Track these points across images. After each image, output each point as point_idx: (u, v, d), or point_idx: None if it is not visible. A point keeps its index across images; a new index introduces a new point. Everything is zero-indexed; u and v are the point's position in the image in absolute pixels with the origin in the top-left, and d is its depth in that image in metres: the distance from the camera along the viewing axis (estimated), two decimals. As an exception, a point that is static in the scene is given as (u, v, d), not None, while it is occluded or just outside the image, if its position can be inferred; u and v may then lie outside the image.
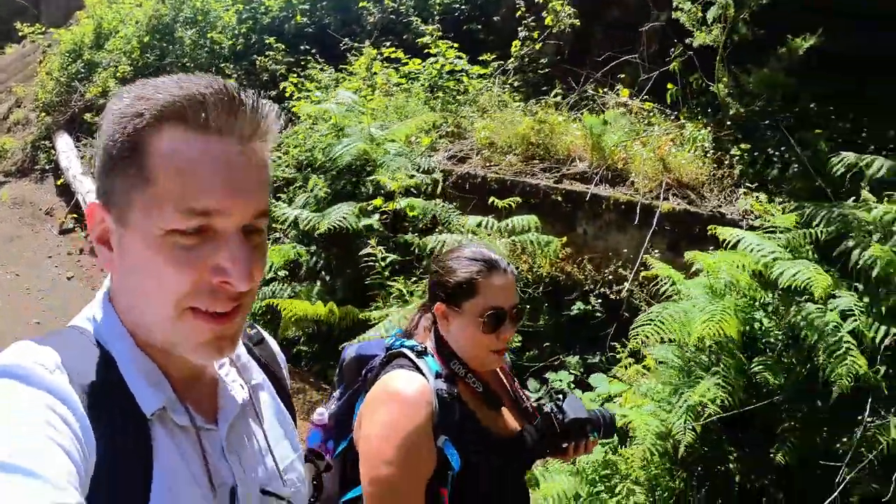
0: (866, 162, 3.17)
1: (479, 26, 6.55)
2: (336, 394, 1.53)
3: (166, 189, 0.68)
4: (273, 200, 5.23)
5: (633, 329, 2.80)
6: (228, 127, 0.70)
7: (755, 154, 3.64)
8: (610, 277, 3.64)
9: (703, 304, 2.71)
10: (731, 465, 2.91)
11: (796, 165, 3.49)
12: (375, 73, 5.83)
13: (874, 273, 2.67)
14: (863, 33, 3.83)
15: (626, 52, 4.88)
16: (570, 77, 5.34)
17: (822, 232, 3.01)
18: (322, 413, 1.47)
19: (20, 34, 8.62)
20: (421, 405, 1.29)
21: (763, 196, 3.39)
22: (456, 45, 5.54)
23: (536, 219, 3.90)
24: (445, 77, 5.64)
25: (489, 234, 4.07)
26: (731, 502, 2.93)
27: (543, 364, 3.88)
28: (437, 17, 6.54)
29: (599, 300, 3.63)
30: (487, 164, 4.65)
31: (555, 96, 4.94)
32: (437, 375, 1.35)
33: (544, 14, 5.10)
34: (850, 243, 2.82)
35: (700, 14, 3.59)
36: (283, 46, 6.77)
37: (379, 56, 6.12)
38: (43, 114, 8.14)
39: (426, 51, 5.80)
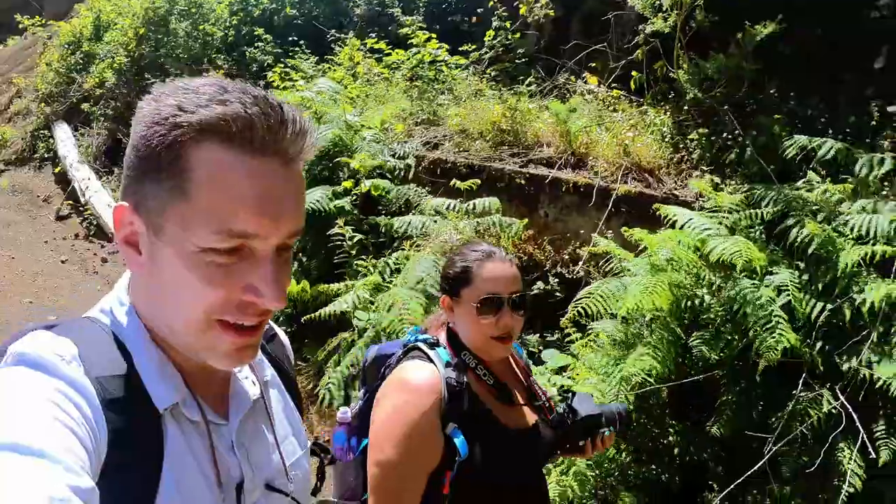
0: (816, 144, 3.22)
1: (467, 18, 6.64)
2: (360, 393, 1.58)
3: (205, 207, 0.67)
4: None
5: (574, 303, 2.87)
6: (273, 147, 0.68)
7: (712, 139, 3.69)
8: (567, 257, 3.72)
9: (641, 278, 2.77)
10: (671, 439, 2.97)
11: (750, 148, 3.54)
12: (358, 63, 5.93)
13: (810, 250, 2.72)
14: (822, 21, 3.87)
15: (602, 41, 4.94)
16: (548, 66, 5.41)
17: (767, 212, 3.07)
18: (345, 412, 1.51)
19: (20, 26, 8.83)
20: (427, 393, 1.32)
21: (712, 179, 3.44)
22: (434, 35, 5.62)
23: (498, 201, 3.98)
24: (425, 67, 5.73)
25: (457, 217, 4.17)
26: (674, 475, 3.00)
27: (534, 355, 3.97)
28: (422, 9, 6.64)
29: (557, 279, 3.71)
30: (459, 150, 4.73)
31: (528, 85, 5.01)
32: (447, 365, 1.39)
33: (520, 5, 5.17)
34: (790, 222, 2.87)
35: (657, 1, 3.65)
36: (272, 38, 6.90)
37: (363, 47, 6.23)
38: (42, 104, 8.33)
39: (408, 41, 5.90)
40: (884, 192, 3.18)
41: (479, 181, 4.01)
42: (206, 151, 0.67)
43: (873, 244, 2.72)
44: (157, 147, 0.68)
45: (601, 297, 2.80)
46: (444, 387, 1.34)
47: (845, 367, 2.58)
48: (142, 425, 0.72)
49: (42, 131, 8.35)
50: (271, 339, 0.98)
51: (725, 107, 3.72)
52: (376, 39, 6.08)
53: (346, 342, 3.87)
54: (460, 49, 5.83)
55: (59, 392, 0.65)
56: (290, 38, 6.95)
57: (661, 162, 3.79)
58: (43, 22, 8.69)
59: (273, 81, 6.04)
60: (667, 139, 3.82)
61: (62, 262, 7.14)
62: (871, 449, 2.46)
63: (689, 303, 2.87)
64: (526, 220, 4.00)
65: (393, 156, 4.99)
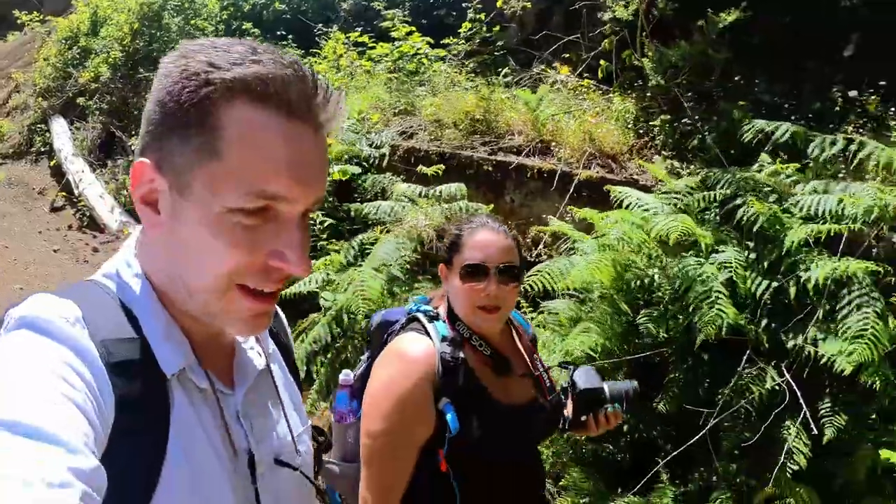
0: (773, 128, 3.22)
1: (453, 11, 6.68)
2: (364, 357, 1.59)
3: (236, 165, 0.66)
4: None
5: (530, 281, 2.89)
6: (307, 111, 0.68)
7: (675, 125, 3.70)
8: (529, 241, 3.73)
9: (588, 256, 2.79)
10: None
11: (712, 133, 3.54)
12: (341, 56, 5.99)
13: (755, 228, 2.72)
14: (792, 9, 3.87)
15: (581, 33, 4.97)
16: (528, 58, 5.45)
17: (720, 194, 3.07)
18: (348, 374, 1.51)
19: (19, 21, 8.99)
20: (420, 366, 1.33)
21: (672, 163, 3.45)
22: (414, 28, 5.67)
23: (464, 187, 4.01)
24: (406, 60, 5.78)
25: (427, 202, 4.20)
26: (626, 453, 3.00)
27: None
28: (408, 4, 6.69)
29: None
30: (432, 139, 4.77)
31: (504, 76, 5.04)
32: (444, 339, 1.38)
33: (498, -2, 5.23)
34: (738, 202, 2.87)
35: (618, -12, 3.69)
36: (261, 32, 6.98)
37: (347, 41, 6.29)
38: (40, 99, 8.46)
39: (391, 34, 5.95)
40: (841, 175, 3.17)
41: (443, 167, 4.04)
42: (238, 110, 0.65)
43: (824, 223, 2.71)
44: (186, 103, 0.66)
45: (548, 274, 2.82)
46: (438, 361, 1.34)
47: (790, 344, 2.57)
48: (149, 390, 0.70)
49: (39, 125, 8.49)
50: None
51: (689, 94, 3.73)
52: (359, 33, 6.14)
53: (313, 322, 3.91)
54: (441, 42, 5.88)
55: (63, 361, 0.62)
56: (279, 33, 7.03)
57: (625, 148, 3.81)
58: (41, 18, 8.84)
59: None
60: (629, 126, 3.84)
61: (54, 251, 7.25)
62: (814, 426, 2.45)
63: (639, 282, 2.88)
64: (492, 206, 4.02)
65: (370, 145, 5.05)
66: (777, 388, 2.51)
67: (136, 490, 0.67)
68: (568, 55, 4.85)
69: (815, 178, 3.07)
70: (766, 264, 2.67)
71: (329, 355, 3.73)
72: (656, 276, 2.86)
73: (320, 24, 6.83)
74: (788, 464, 2.46)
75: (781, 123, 3.20)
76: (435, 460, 1.34)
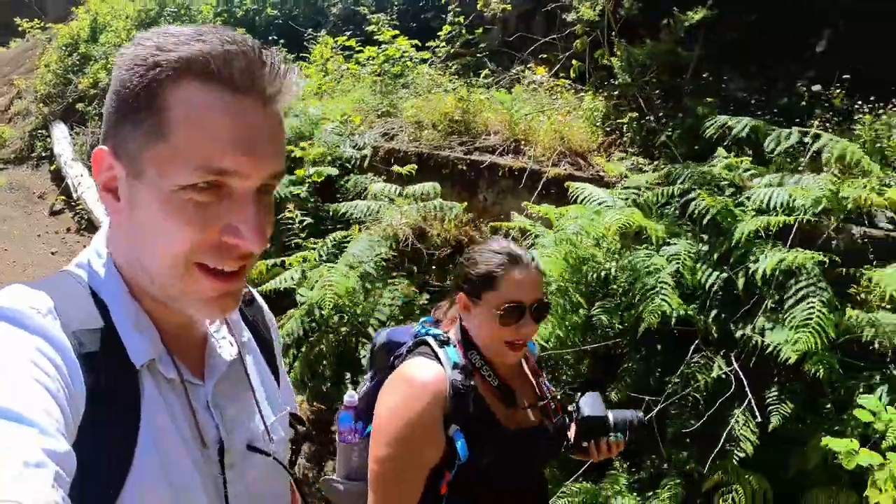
0: (734, 122, 3.26)
1: (441, 14, 6.78)
2: (367, 376, 1.58)
3: (183, 145, 0.66)
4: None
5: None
6: (251, 85, 0.67)
7: (642, 122, 3.76)
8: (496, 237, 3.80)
9: (543, 250, 2.85)
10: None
11: (677, 130, 3.59)
12: (328, 60, 6.10)
13: (705, 221, 2.77)
14: (763, 6, 3.92)
15: (557, 34, 5.04)
16: (509, 59, 5.53)
17: (678, 189, 3.12)
18: (353, 395, 1.51)
19: (20, 28, 9.20)
20: (430, 392, 1.31)
21: (636, 160, 3.51)
22: (398, 32, 5.77)
23: (438, 186, 4.09)
24: (391, 63, 5.87)
25: (405, 201, 4.28)
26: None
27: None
28: (396, 7, 6.80)
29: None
30: (412, 140, 4.85)
31: (485, 77, 5.12)
32: (455, 366, 1.37)
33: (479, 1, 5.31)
34: (692, 195, 2.92)
35: (583, -10, 3.76)
36: (253, 37, 7.10)
37: (336, 45, 6.40)
38: (41, 104, 8.65)
39: (376, 37, 6.05)
40: (801, 168, 3.22)
41: (416, 166, 4.12)
42: (183, 90, 0.66)
43: (775, 216, 2.76)
44: (136, 87, 0.67)
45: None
46: (448, 388, 1.33)
47: (738, 334, 2.62)
48: (119, 380, 0.71)
49: (40, 131, 8.66)
50: (249, 304, 0.96)
51: (657, 91, 3.79)
52: (347, 37, 6.24)
53: (290, 317, 4.00)
54: (426, 45, 5.97)
55: (35, 349, 0.63)
56: (271, 38, 7.15)
57: (594, 145, 3.87)
58: (42, 25, 9.05)
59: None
60: (598, 124, 3.90)
61: (52, 253, 7.40)
62: (758, 414, 2.49)
63: (596, 275, 2.94)
64: (465, 204, 4.10)
65: (353, 146, 5.14)
66: (724, 376, 2.56)
67: (106, 479, 0.68)
68: (545, 56, 4.92)
69: (778, 172, 3.11)
70: (715, 256, 2.71)
71: (303, 349, 3.81)
72: (613, 269, 2.91)
73: (310, 29, 6.95)
74: (735, 451, 2.50)
75: (742, 118, 3.25)
76: (438, 482, 1.34)
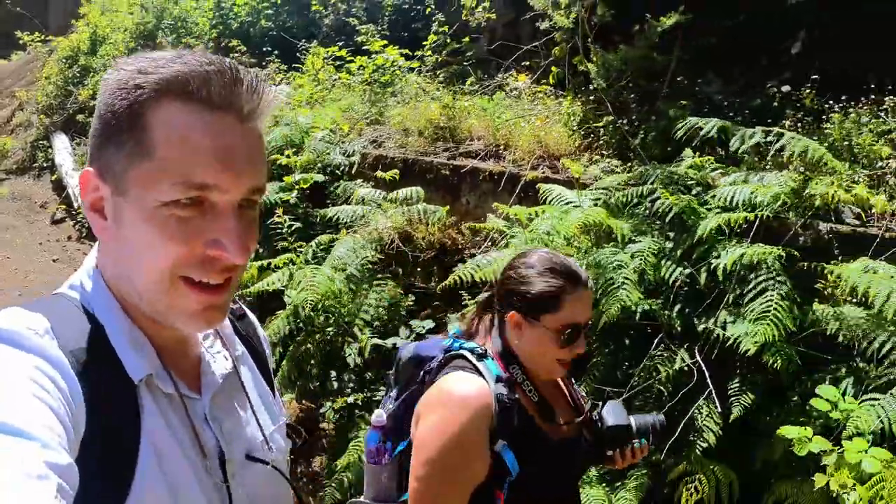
0: (702, 124, 3.35)
1: (432, 24, 6.91)
2: (393, 394, 1.53)
3: (165, 162, 0.69)
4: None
5: (453, 273, 3.05)
6: (229, 103, 0.71)
7: (616, 125, 3.86)
8: (479, 239, 3.90)
9: (512, 249, 2.95)
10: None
11: (651, 132, 3.69)
12: (319, 70, 6.24)
13: (668, 219, 2.86)
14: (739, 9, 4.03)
15: (539, 41, 5.16)
16: (496, 66, 5.65)
17: (647, 189, 3.21)
18: (381, 415, 1.47)
19: (21, 41, 9.41)
20: (477, 408, 1.28)
21: (610, 162, 3.61)
22: (387, 42, 5.90)
23: (421, 190, 4.20)
24: (381, 71, 6.00)
25: (392, 205, 4.39)
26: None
27: (437, 326, 4.16)
28: (387, 18, 6.94)
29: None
30: (399, 147, 4.97)
31: (472, 85, 5.24)
32: (498, 379, 1.34)
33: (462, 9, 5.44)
34: (657, 194, 3.02)
35: (555, -1, 3.88)
36: (247, 49, 7.27)
37: (327, 55, 6.55)
38: (42, 116, 8.82)
39: (365, 47, 6.19)
40: (768, 166, 3.30)
41: (398, 171, 4.24)
42: (164, 111, 0.69)
43: (737, 213, 2.85)
44: (119, 110, 0.70)
45: (477, 266, 2.98)
46: (494, 402, 1.30)
47: (701, 327, 2.70)
48: (118, 397, 0.72)
49: (42, 142, 8.84)
50: (241, 318, 0.99)
51: (633, 95, 3.89)
52: (337, 48, 6.38)
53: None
54: (416, 54, 6.10)
55: (35, 367, 0.64)
56: (265, 49, 7.31)
57: (571, 149, 3.97)
58: (43, 38, 9.25)
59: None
60: (575, 128, 4.01)
61: (53, 261, 7.56)
62: (722, 406, 2.57)
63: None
64: (448, 208, 4.21)
65: (343, 153, 5.27)
66: (686, 369, 2.64)
67: (108, 493, 0.69)
68: (528, 63, 5.04)
69: (748, 171, 3.20)
70: (679, 252, 2.80)
71: (290, 348, 3.92)
72: (584, 267, 3.00)
73: (304, 40, 7.09)
74: (699, 442, 2.58)
75: (710, 120, 3.34)
76: (492, 503, 1.31)
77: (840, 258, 3.09)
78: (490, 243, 3.70)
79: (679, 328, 2.71)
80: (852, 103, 3.83)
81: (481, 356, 1.38)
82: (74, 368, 0.68)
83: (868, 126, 3.70)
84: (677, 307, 2.75)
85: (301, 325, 3.92)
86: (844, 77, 4.09)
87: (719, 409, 2.55)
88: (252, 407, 0.88)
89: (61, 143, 8.57)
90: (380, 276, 4.18)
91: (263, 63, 7.04)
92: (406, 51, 6.12)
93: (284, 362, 3.88)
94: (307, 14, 7.29)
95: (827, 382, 2.79)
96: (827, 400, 2.52)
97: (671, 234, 3.01)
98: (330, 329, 4.00)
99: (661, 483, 2.69)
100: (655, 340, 2.71)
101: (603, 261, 2.73)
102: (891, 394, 2.57)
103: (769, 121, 3.79)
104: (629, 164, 3.66)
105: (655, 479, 2.68)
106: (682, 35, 4.16)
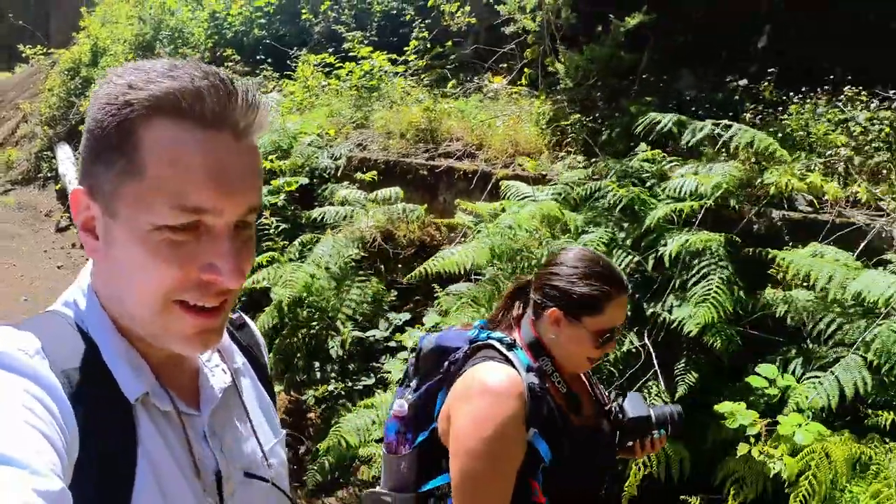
0: (659, 119, 3.51)
1: (414, 30, 7.11)
2: (413, 384, 1.53)
3: (157, 184, 0.66)
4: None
5: (421, 267, 3.23)
6: (223, 121, 0.68)
7: (584, 123, 4.03)
8: (454, 235, 4.08)
9: (472, 242, 3.12)
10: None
11: (615, 129, 3.86)
12: (308, 78, 6.45)
13: (617, 210, 3.03)
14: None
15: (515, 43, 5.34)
16: (481, 69, 5.84)
17: (605, 184, 3.38)
18: (402, 405, 1.47)
19: (23, 55, 9.70)
20: (513, 398, 1.29)
21: (574, 158, 3.78)
22: (372, 48, 6.10)
23: (400, 190, 4.40)
24: (372, 76, 6.21)
25: (374, 205, 4.59)
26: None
27: (413, 318, 4.34)
28: (375, 23, 7.14)
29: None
30: (382, 149, 5.17)
31: (451, 88, 5.43)
32: (529, 369, 1.36)
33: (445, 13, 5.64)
34: (609, 187, 3.18)
35: (521, 3, 4.04)
36: (241, 57, 7.50)
37: (319, 62, 6.76)
38: (46, 127, 9.10)
39: (351, 53, 6.39)
40: (723, 158, 3.46)
41: (376, 172, 4.44)
42: (156, 128, 0.66)
43: (684, 202, 3.01)
44: (109, 127, 0.67)
45: (441, 259, 3.16)
46: (526, 391, 1.31)
47: (649, 311, 2.87)
48: (113, 417, 0.71)
49: (46, 152, 9.11)
50: (241, 328, 0.97)
51: (598, 94, 4.06)
52: (326, 55, 6.59)
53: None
54: (401, 58, 6.30)
55: (24, 391, 0.62)
56: (258, 57, 7.53)
57: (542, 147, 4.14)
58: (45, 50, 9.54)
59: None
60: (544, 127, 4.19)
61: (58, 267, 7.82)
62: (663, 383, 2.73)
63: (527, 264, 3.20)
64: (425, 206, 4.40)
65: (330, 157, 5.48)
66: (635, 350, 2.80)
67: None
68: (505, 65, 5.22)
69: (699, 163, 3.36)
70: (629, 241, 2.97)
71: (276, 342, 4.11)
72: (542, 258, 3.18)
73: (295, 48, 7.31)
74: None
75: (667, 115, 3.50)
76: (525, 492, 1.32)
77: (791, 244, 3.25)
78: (464, 238, 3.88)
79: (629, 312, 2.86)
80: (811, 94, 3.98)
81: (510, 346, 1.40)
82: (67, 389, 0.67)
83: (826, 116, 3.85)
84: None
85: (286, 320, 4.12)
86: (810, 70, 4.24)
87: (664, 388, 2.71)
88: (251, 421, 0.87)
89: (64, 153, 8.84)
90: (361, 272, 4.37)
91: (257, 71, 7.26)
92: (394, 55, 6.32)
93: (271, 355, 4.08)
94: (298, 22, 7.51)
95: (778, 363, 2.95)
96: (765, 377, 2.68)
97: (625, 225, 3.18)
98: (315, 323, 4.19)
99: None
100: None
101: (555, 251, 2.90)
102: (831, 371, 2.72)
103: (730, 114, 3.95)
104: (594, 159, 3.82)
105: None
106: (652, 34, 4.33)
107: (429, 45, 5.82)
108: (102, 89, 0.70)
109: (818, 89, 3.89)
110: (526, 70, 4.63)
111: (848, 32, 4.20)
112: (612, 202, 3.08)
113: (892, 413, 2.64)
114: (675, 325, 2.76)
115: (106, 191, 0.69)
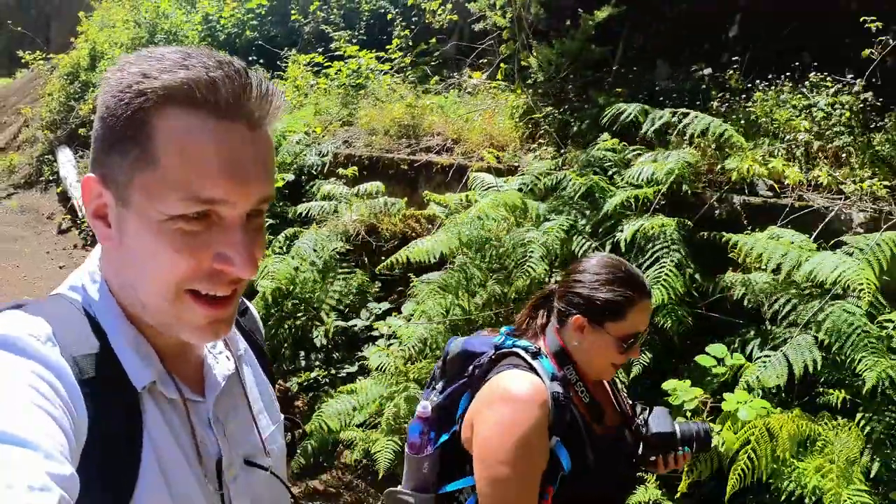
0: (623, 109, 3.63)
1: (411, 27, 7.24)
2: (438, 386, 1.55)
3: (170, 174, 0.66)
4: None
5: (393, 256, 3.37)
6: (237, 111, 0.68)
7: (553, 116, 4.15)
8: (431, 227, 4.22)
9: (439, 232, 3.26)
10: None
11: (585, 121, 3.98)
12: (297, 78, 6.60)
13: (576, 197, 3.15)
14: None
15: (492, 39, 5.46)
16: (459, 66, 5.97)
17: (569, 173, 3.50)
18: (426, 406, 1.50)
19: (23, 60, 9.91)
20: (537, 406, 1.30)
21: (546, 149, 3.90)
22: (357, 46, 6.23)
23: (381, 185, 4.54)
24: (360, 75, 6.35)
25: (358, 200, 4.73)
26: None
27: (393, 307, 4.49)
28: (363, 23, 7.28)
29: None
30: (366, 145, 5.31)
31: (434, 84, 5.57)
32: (553, 378, 1.37)
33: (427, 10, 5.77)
34: (569, 177, 3.31)
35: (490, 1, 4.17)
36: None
37: (309, 62, 6.91)
38: (47, 131, 9.29)
39: (338, 52, 6.53)
40: (685, 145, 3.57)
41: (356, 168, 4.58)
42: (170, 118, 0.66)
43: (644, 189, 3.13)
44: (122, 116, 0.67)
45: (410, 249, 3.30)
46: (550, 399, 1.33)
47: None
48: (120, 404, 0.72)
49: (47, 156, 9.30)
50: (244, 313, 0.98)
51: (570, 87, 4.18)
52: (314, 55, 6.74)
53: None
54: (384, 57, 6.43)
55: (36, 374, 0.63)
56: (250, 59, 7.68)
57: (516, 140, 4.27)
58: (44, 55, 9.73)
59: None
60: (518, 120, 4.31)
61: (59, 267, 8.02)
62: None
63: (494, 251, 3.33)
64: (406, 199, 4.54)
65: (318, 154, 5.64)
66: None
67: (110, 502, 0.69)
68: (485, 60, 5.35)
69: (657, 151, 3.48)
70: (588, 228, 3.09)
71: (263, 332, 4.27)
72: (509, 245, 3.31)
73: (286, 48, 7.46)
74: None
75: (630, 105, 3.61)
76: (541, 498, 1.33)
77: (751, 228, 3.36)
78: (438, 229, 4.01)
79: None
80: (777, 81, 4.08)
81: (535, 354, 1.41)
82: (76, 375, 0.68)
83: (791, 102, 3.95)
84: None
85: (273, 311, 4.27)
86: (780, 55, 4.34)
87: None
88: (251, 409, 0.88)
89: (65, 156, 9.04)
90: (344, 265, 4.52)
91: (248, 72, 7.42)
92: (382, 53, 6.46)
93: (258, 346, 4.23)
94: (289, 24, 7.66)
95: (736, 344, 3.07)
96: (713, 357, 2.79)
97: (587, 213, 3.30)
98: (301, 314, 4.35)
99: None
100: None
101: (516, 238, 3.04)
102: (781, 351, 2.83)
103: (697, 103, 4.06)
104: (563, 150, 3.95)
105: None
106: (625, 26, 4.44)
107: (411, 43, 5.95)
108: (114, 76, 0.69)
109: (782, 76, 3.99)
110: (502, 65, 4.76)
111: (816, 16, 4.29)
112: (574, 191, 3.20)
113: (843, 391, 2.75)
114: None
115: (119, 180, 0.70)
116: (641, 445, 1.52)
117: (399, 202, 4.53)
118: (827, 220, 3.39)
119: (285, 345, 4.40)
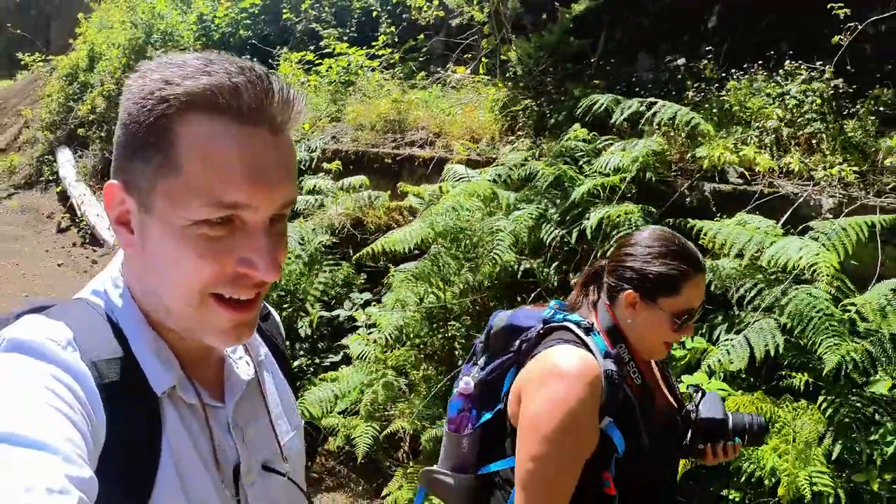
0: (595, 101, 3.69)
1: (401, 24, 7.32)
2: (480, 361, 1.49)
3: (193, 180, 0.67)
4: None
5: (369, 246, 3.46)
6: (260, 116, 0.68)
7: (531, 108, 4.22)
8: (412, 219, 4.30)
9: (414, 223, 3.34)
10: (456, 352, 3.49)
11: (562, 112, 4.05)
12: (288, 76, 6.69)
13: (545, 186, 3.23)
14: None
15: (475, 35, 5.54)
16: (446, 61, 6.04)
17: (543, 163, 3.58)
18: (468, 382, 1.45)
19: (23, 62, 10.06)
20: (588, 383, 1.25)
21: (523, 141, 3.98)
22: (347, 44, 6.32)
23: (365, 178, 4.63)
24: (349, 72, 6.44)
25: (344, 193, 4.83)
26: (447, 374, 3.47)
27: (375, 298, 4.58)
28: (355, 20, 7.37)
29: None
30: (353, 140, 5.40)
31: (420, 80, 5.65)
32: (606, 355, 1.32)
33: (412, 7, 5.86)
34: (539, 167, 3.38)
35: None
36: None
37: (301, 60, 7.00)
38: (47, 132, 9.43)
39: (328, 50, 6.62)
40: (655, 134, 3.63)
41: (340, 162, 4.67)
42: (192, 124, 0.67)
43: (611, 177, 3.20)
44: (144, 122, 0.68)
45: (386, 239, 3.38)
46: (602, 377, 1.27)
47: (572, 281, 3.06)
48: (140, 409, 0.72)
49: (47, 156, 9.45)
50: (266, 318, 0.98)
51: (548, 79, 4.25)
52: (305, 53, 6.83)
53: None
54: (377, 53, 6.52)
55: (55, 378, 0.64)
56: (244, 57, 7.77)
57: (496, 132, 4.35)
58: (44, 57, 9.88)
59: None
60: (497, 113, 4.39)
61: (58, 265, 8.17)
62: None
63: (469, 241, 3.41)
64: (389, 192, 4.62)
65: (307, 150, 5.73)
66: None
67: None
68: (468, 55, 5.43)
69: (625, 139, 3.54)
70: (556, 216, 3.17)
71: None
72: (481, 234, 3.39)
73: (279, 47, 7.56)
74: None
75: (602, 96, 3.68)
76: (596, 482, 1.29)
77: (720, 215, 3.41)
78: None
79: (555, 283, 3.08)
80: (752, 70, 4.13)
81: (588, 330, 1.35)
82: (96, 380, 0.68)
83: (765, 90, 4.00)
84: (554, 265, 3.11)
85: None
86: (757, 47, 4.39)
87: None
88: (270, 414, 0.88)
89: (65, 157, 9.18)
90: (330, 257, 4.60)
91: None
92: (372, 51, 6.55)
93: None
94: (282, 23, 7.76)
95: (704, 329, 3.13)
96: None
97: (557, 202, 3.38)
98: (287, 305, 4.44)
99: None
100: (532, 295, 3.09)
101: (486, 228, 3.12)
102: (743, 334, 2.89)
103: (673, 93, 4.11)
104: (539, 141, 4.02)
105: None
106: (605, 19, 4.50)
107: (397, 40, 6.03)
108: (136, 83, 0.70)
109: (755, 65, 4.04)
110: (484, 60, 4.83)
111: (793, 8, 4.34)
112: (545, 180, 3.27)
113: (806, 375, 2.80)
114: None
115: (142, 187, 0.70)
116: (690, 433, 1.46)
117: (383, 195, 4.61)
118: (796, 205, 3.44)
119: (272, 336, 4.50)
